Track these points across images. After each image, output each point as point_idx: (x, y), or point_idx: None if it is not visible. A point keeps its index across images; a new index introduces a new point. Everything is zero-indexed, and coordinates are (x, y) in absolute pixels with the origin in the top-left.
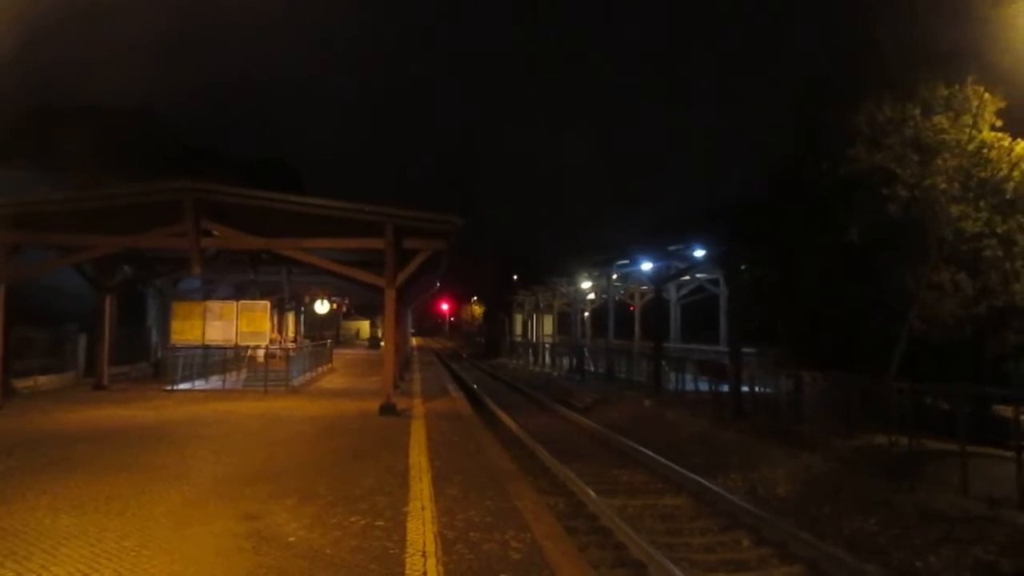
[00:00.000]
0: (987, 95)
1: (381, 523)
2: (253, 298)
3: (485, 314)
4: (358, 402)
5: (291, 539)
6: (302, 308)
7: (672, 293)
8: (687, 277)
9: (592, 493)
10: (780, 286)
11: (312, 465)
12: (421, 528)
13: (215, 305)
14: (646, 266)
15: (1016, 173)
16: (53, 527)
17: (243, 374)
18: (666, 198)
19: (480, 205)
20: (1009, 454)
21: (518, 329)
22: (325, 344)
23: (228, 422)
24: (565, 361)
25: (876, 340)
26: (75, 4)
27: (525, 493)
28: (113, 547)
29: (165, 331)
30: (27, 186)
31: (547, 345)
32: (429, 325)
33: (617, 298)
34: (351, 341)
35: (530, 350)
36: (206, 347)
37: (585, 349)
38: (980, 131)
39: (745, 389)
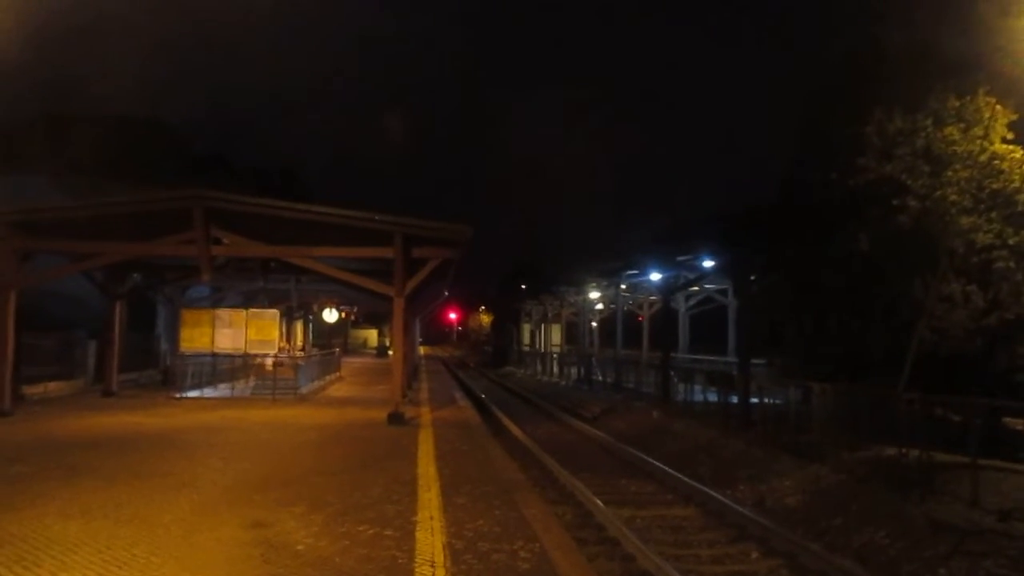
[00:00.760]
0: (999, 107)
1: (390, 532)
2: (262, 306)
3: (493, 323)
4: (366, 411)
5: (300, 547)
6: (311, 316)
7: (681, 303)
8: (696, 288)
9: (600, 504)
10: (789, 296)
11: (320, 473)
12: (430, 538)
13: (224, 313)
14: (655, 276)
15: None
16: (63, 534)
17: (251, 382)
18: (676, 200)
19: (488, 212)
20: (1021, 467)
21: (526, 338)
22: (333, 353)
23: (237, 430)
24: (573, 371)
25: (885, 351)
26: (85, 14)
27: (533, 503)
28: (123, 554)
29: (174, 338)
30: (38, 193)
31: (555, 355)
32: (436, 334)
33: (625, 308)
34: (359, 350)
35: (538, 359)
36: (215, 355)
37: (593, 359)
38: (992, 143)
39: (754, 400)
